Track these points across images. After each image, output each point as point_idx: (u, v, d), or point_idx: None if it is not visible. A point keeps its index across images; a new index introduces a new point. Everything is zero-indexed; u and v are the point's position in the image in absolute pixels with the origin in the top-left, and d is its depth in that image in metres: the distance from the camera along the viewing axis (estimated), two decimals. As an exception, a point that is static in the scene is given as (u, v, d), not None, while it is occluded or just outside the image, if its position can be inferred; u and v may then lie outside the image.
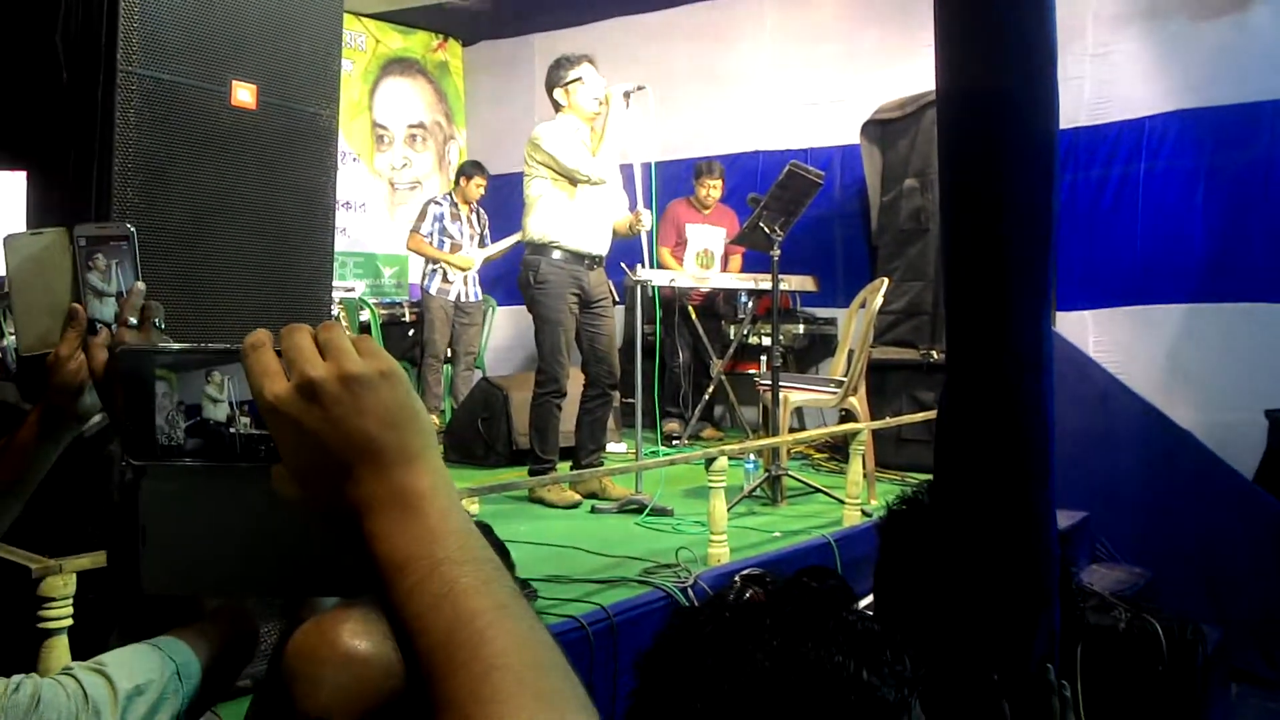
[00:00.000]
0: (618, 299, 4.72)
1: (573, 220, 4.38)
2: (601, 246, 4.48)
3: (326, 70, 2.53)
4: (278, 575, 0.75)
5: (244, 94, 2.32)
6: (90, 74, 2.23)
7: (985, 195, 1.61)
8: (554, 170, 4.35)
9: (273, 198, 2.41)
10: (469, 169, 6.62)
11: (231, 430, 0.69)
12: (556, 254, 4.36)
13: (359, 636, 0.71)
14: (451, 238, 6.41)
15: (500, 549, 1.55)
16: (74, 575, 1.87)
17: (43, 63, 2.39)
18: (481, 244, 6.57)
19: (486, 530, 1.53)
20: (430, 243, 6.38)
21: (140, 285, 1.23)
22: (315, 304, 2.55)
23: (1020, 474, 1.45)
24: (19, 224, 6.12)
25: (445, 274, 6.36)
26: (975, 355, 1.56)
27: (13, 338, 4.48)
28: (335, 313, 4.92)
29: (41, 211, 2.48)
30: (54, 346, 1.23)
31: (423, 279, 6.49)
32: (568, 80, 4.42)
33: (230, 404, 0.69)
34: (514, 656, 0.56)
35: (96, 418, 1.28)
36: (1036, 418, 1.51)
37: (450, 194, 6.56)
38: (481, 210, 6.66)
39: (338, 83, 2.58)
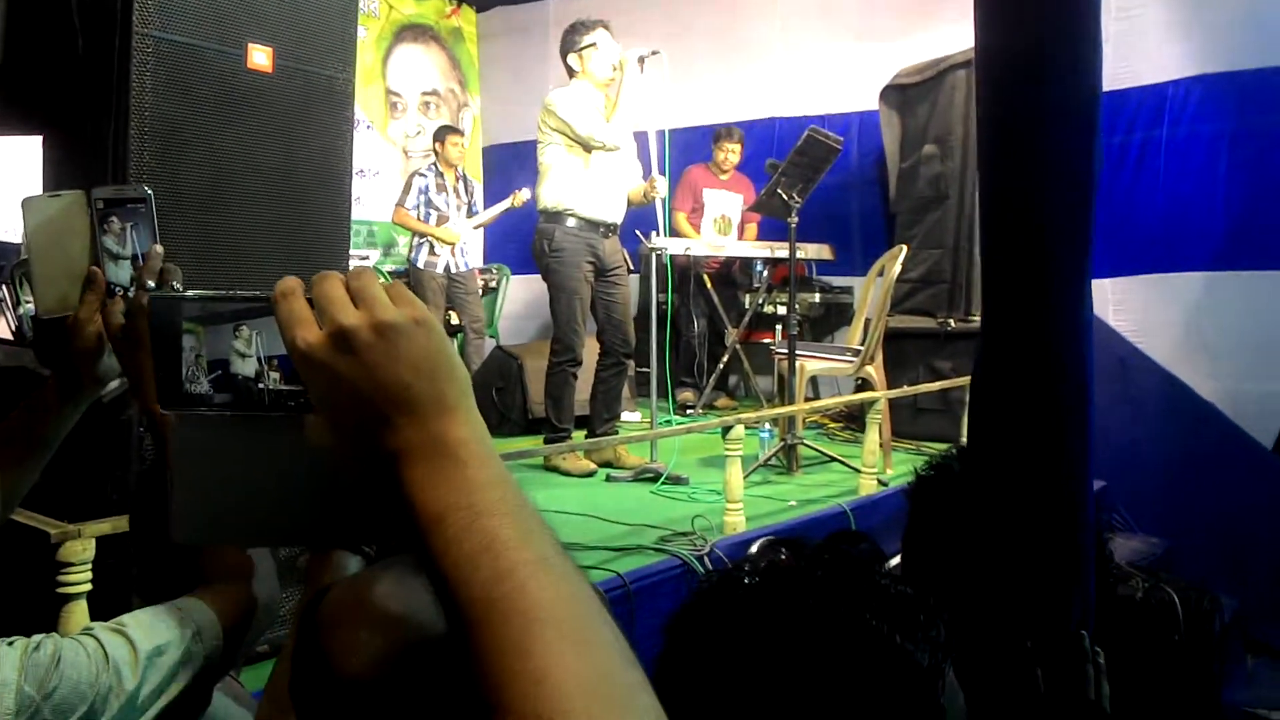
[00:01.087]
0: (632, 267, 4.69)
1: (587, 188, 4.35)
2: (616, 214, 4.46)
3: (343, 33, 2.50)
4: (306, 525, 0.75)
5: (260, 57, 2.30)
6: (106, 38, 2.21)
7: (1027, 155, 1.59)
8: (568, 137, 4.32)
9: (289, 161, 2.39)
10: (441, 132, 6.50)
11: (260, 385, 0.69)
12: (571, 222, 4.33)
13: (395, 598, 0.70)
14: (438, 209, 6.29)
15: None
16: (93, 540, 1.87)
17: (57, 28, 2.37)
18: (470, 214, 6.49)
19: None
20: (416, 216, 6.28)
21: (158, 248, 1.22)
22: (333, 265, 2.54)
23: (1059, 439, 1.43)
24: (36, 189, 6.09)
25: (432, 246, 6.25)
26: (1014, 318, 1.54)
27: (29, 305, 4.49)
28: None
29: (58, 176, 2.47)
30: (72, 310, 1.22)
31: (409, 251, 6.41)
32: (582, 45, 4.38)
33: (259, 358, 0.69)
34: (556, 609, 0.56)
35: (115, 382, 1.27)
36: (1076, 383, 1.49)
37: (434, 164, 6.44)
38: (469, 178, 6.59)
39: (354, 45, 2.55)
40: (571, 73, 4.45)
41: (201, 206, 2.21)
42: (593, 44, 4.37)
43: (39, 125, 2.54)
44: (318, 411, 0.64)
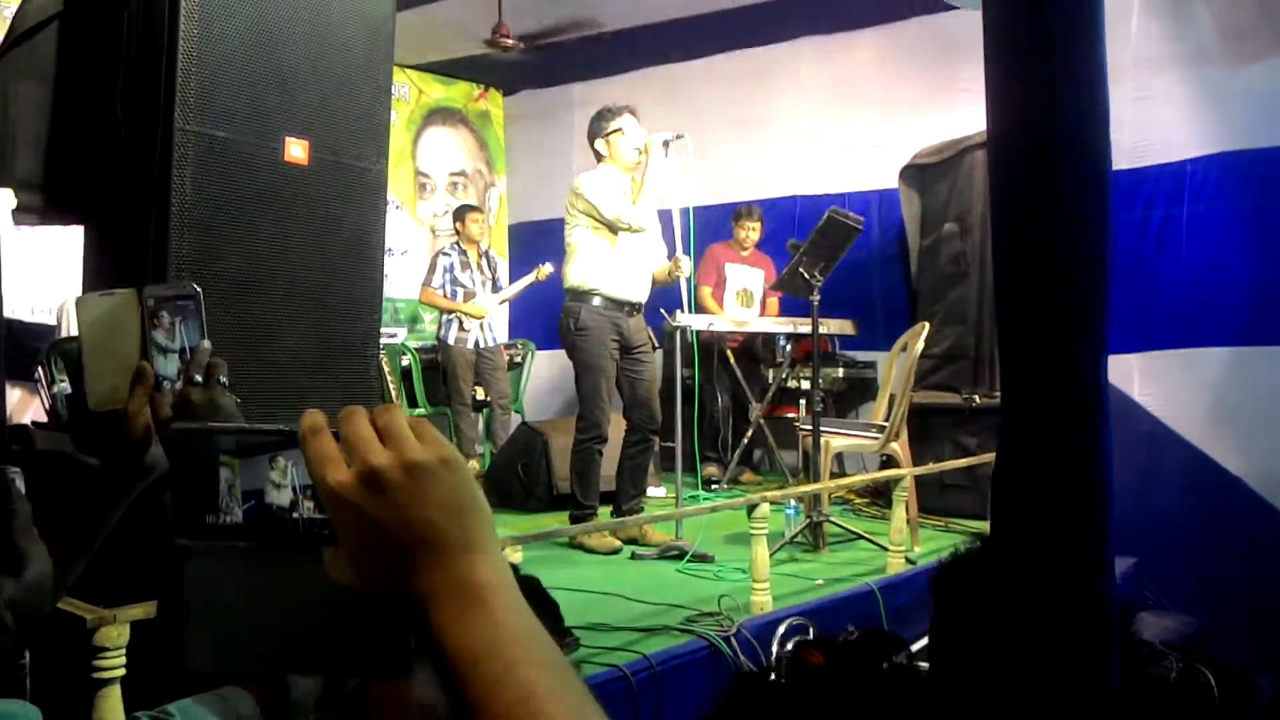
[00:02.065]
0: (657, 344, 4.74)
1: (613, 268, 4.42)
2: (641, 294, 4.52)
3: (376, 124, 2.59)
4: (323, 657, 0.75)
5: (296, 150, 2.38)
6: (148, 132, 2.30)
7: (1041, 234, 1.62)
8: (595, 219, 4.40)
9: (324, 249, 2.46)
10: (461, 211, 6.70)
11: (295, 515, 0.69)
12: (596, 300, 4.40)
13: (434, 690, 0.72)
14: (464, 286, 6.44)
15: (549, 604, 1.57)
16: (128, 625, 1.90)
17: (101, 121, 2.46)
18: (495, 289, 6.63)
19: (536, 585, 1.55)
20: (443, 293, 6.43)
21: (205, 344, 1.25)
22: (363, 352, 2.59)
23: (1080, 523, 1.44)
24: (76, 273, 6.18)
25: (461, 322, 6.39)
26: (1032, 399, 1.56)
27: (63, 384, 4.56)
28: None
29: (98, 265, 2.55)
30: (122, 403, 1.26)
31: (439, 329, 6.54)
32: (609, 130, 4.48)
33: (293, 488, 0.69)
34: None
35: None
36: (1095, 465, 1.50)
37: (457, 242, 6.60)
38: (491, 254, 6.74)
39: (387, 136, 2.64)
40: (599, 157, 4.55)
41: (239, 294, 2.27)
42: (619, 129, 4.47)
43: (82, 214, 2.63)
44: (341, 548, 0.65)
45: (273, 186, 2.36)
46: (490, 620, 0.61)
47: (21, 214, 2.58)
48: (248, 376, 2.23)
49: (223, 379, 1.25)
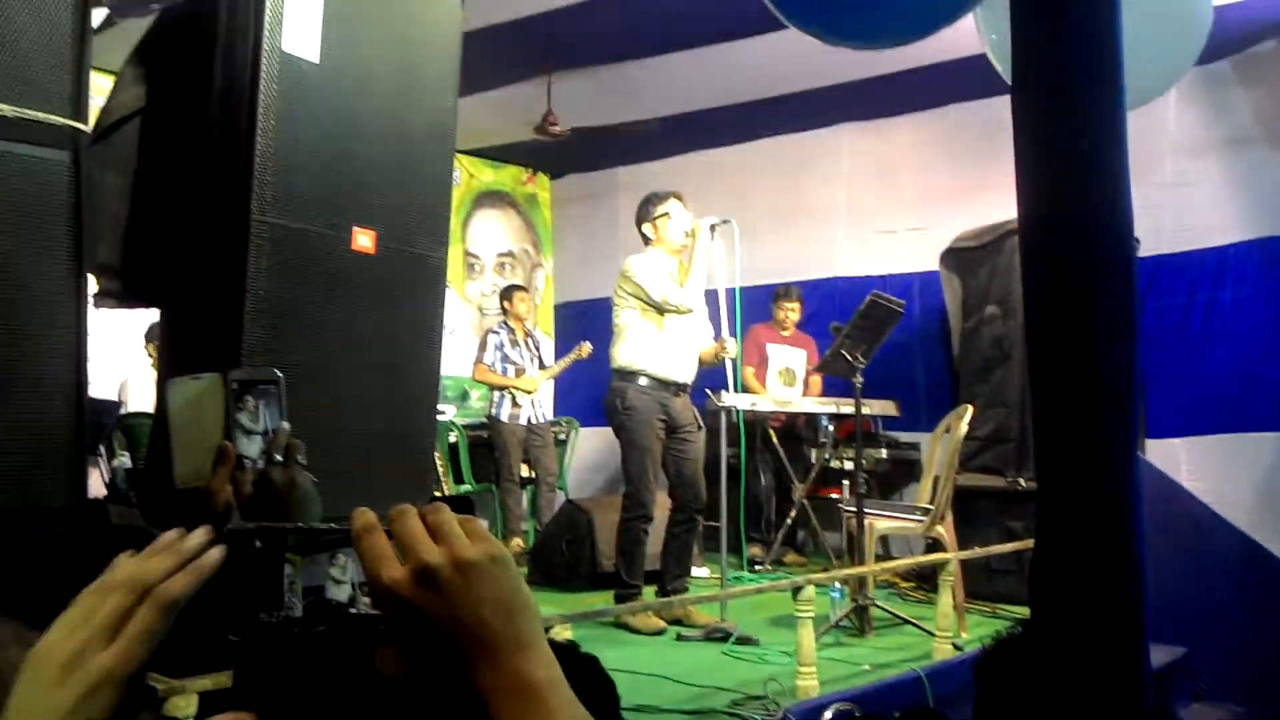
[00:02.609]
0: (701, 424, 4.80)
1: (660, 349, 4.50)
2: (687, 374, 4.59)
3: (438, 214, 2.71)
4: None
5: (364, 239, 2.50)
6: (225, 222, 2.42)
7: (1071, 321, 1.67)
8: (643, 301, 4.50)
9: (387, 334, 2.56)
10: (509, 290, 6.90)
11: (353, 609, 0.70)
12: (643, 380, 4.47)
13: None
14: (515, 363, 6.62)
15: (608, 684, 1.60)
16: (196, 696, 1.96)
17: (180, 211, 2.60)
18: (541, 366, 6.77)
19: (595, 665, 1.59)
20: (495, 370, 6.58)
21: (286, 425, 1.33)
22: (422, 433, 2.68)
23: (1113, 615, 1.47)
24: (137, 351, 6.32)
25: (514, 399, 6.54)
26: (1064, 480, 1.60)
27: (124, 457, 4.68)
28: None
29: (174, 348, 2.67)
30: (205, 481, 1.33)
31: (490, 406, 6.67)
32: (656, 215, 4.60)
33: (352, 584, 0.71)
34: None
35: None
36: (1127, 547, 1.54)
37: (505, 321, 6.79)
38: (535, 333, 6.92)
39: (448, 225, 2.76)
40: (646, 240, 4.66)
41: (306, 378, 2.37)
42: (666, 213, 4.59)
43: (158, 300, 2.76)
44: (394, 643, 0.67)
45: (340, 274, 2.47)
46: (549, 717, 0.64)
47: (102, 298, 2.71)
48: (312, 458, 2.31)
49: (301, 459, 1.32)
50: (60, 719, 0.63)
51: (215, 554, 0.69)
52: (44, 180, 2.04)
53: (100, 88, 2.54)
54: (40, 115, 2.02)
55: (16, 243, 2.00)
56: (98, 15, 2.26)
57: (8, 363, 1.97)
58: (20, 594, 1.34)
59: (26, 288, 2.01)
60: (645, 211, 4.65)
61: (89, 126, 2.33)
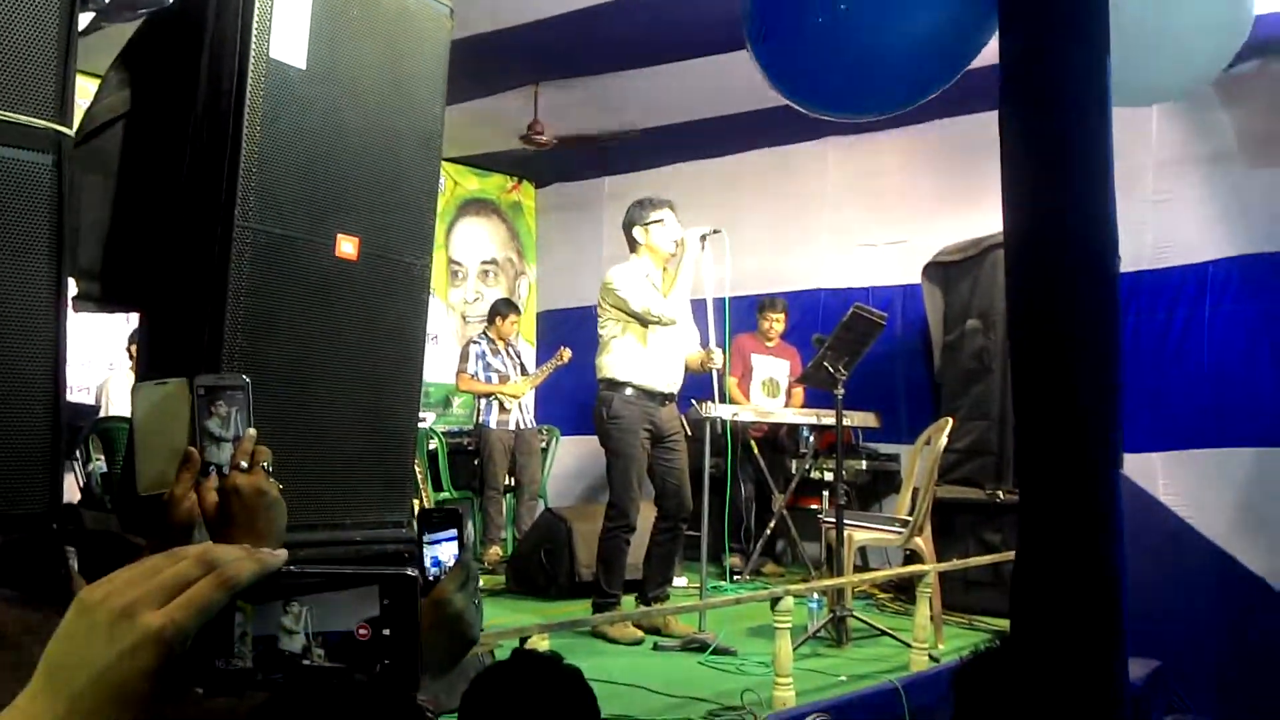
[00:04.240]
0: (689, 433, 4.81)
1: (645, 360, 4.50)
2: (673, 384, 4.60)
3: (423, 223, 2.71)
4: None
5: (347, 246, 2.50)
6: (208, 228, 2.42)
7: (1053, 335, 1.69)
8: (625, 313, 4.49)
9: (369, 340, 2.56)
10: (503, 308, 6.90)
11: (306, 662, 0.67)
12: (629, 391, 4.47)
13: None
14: (498, 371, 6.64)
15: (588, 696, 1.61)
16: None
17: (162, 215, 2.59)
18: (523, 372, 6.80)
19: (576, 676, 1.60)
20: (479, 379, 6.60)
21: (252, 432, 1.30)
22: (403, 441, 2.68)
23: (1091, 629, 1.48)
24: (116, 354, 6.29)
25: (501, 404, 6.55)
26: (1045, 493, 1.62)
27: (99, 462, 4.65)
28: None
29: (153, 351, 2.66)
30: (169, 487, 1.32)
31: (477, 414, 6.68)
32: (649, 220, 4.57)
33: (307, 635, 0.68)
34: None
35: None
36: (1107, 571, 1.55)
37: (485, 332, 6.81)
38: (513, 343, 6.94)
39: (433, 233, 2.76)
40: (633, 245, 4.63)
41: (286, 384, 2.37)
42: (660, 220, 4.56)
43: (141, 303, 2.75)
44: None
45: (323, 281, 2.47)
46: None
47: (81, 301, 2.69)
48: (291, 465, 2.31)
49: (267, 466, 1.31)
50: (100, 670, 0.62)
51: (282, 553, 0.68)
52: (27, 183, 2.03)
53: (86, 91, 2.53)
54: (24, 119, 2.01)
55: (-3, 245, 1.99)
56: (84, 19, 2.25)
57: (-15, 366, 1.96)
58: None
59: (6, 290, 2.00)
60: (638, 215, 4.62)
61: (73, 130, 2.32)
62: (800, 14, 2.41)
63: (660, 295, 4.50)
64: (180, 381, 1.39)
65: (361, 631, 0.67)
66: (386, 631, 0.67)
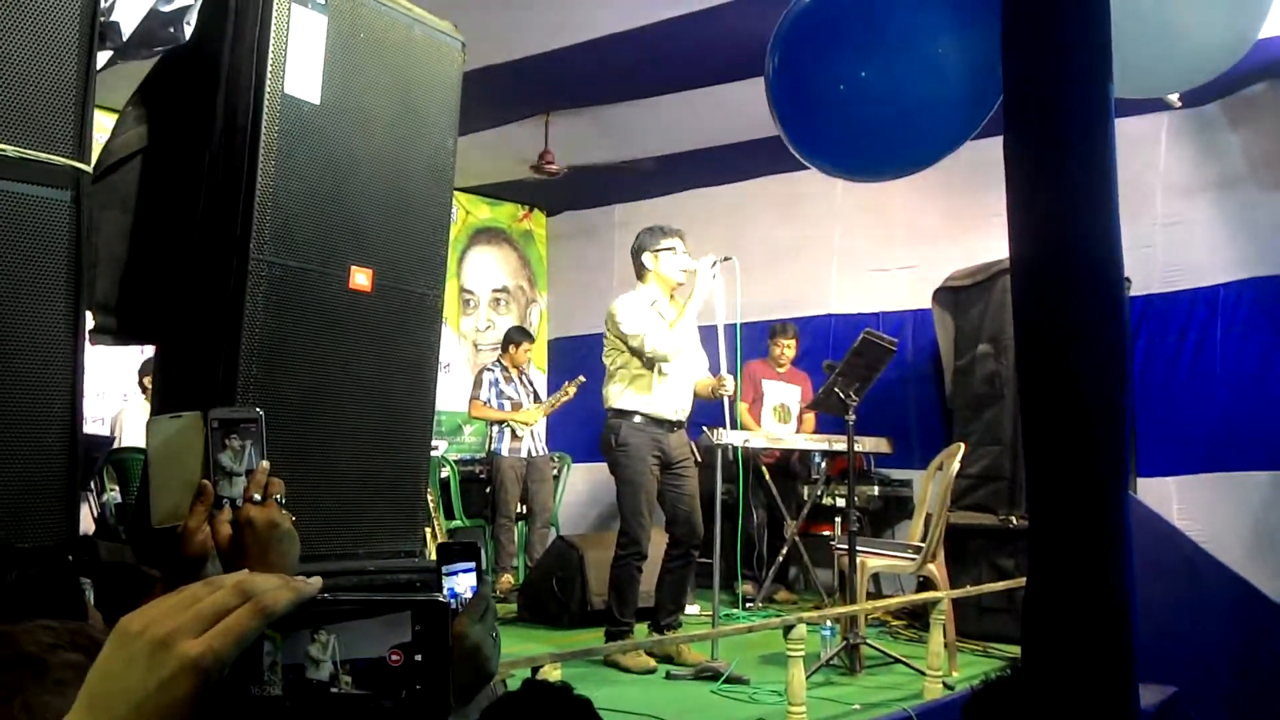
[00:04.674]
0: (699, 459, 4.81)
1: (653, 389, 4.50)
2: (682, 411, 4.60)
3: (435, 254, 2.74)
4: None
5: (361, 278, 2.52)
6: (223, 261, 2.45)
7: (1062, 360, 1.70)
8: (626, 347, 4.50)
9: (382, 370, 2.58)
10: (517, 336, 6.91)
11: (333, 690, 0.68)
12: (638, 418, 4.47)
13: None
14: (511, 399, 6.66)
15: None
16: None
17: (178, 249, 2.63)
18: (536, 400, 6.81)
19: (586, 707, 1.60)
20: (491, 406, 6.62)
21: (265, 464, 1.32)
22: (415, 471, 2.69)
23: (1101, 651, 1.48)
24: (129, 386, 6.32)
25: (514, 432, 6.56)
26: (1054, 516, 1.62)
27: (113, 493, 4.67)
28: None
29: (168, 384, 2.69)
30: (183, 519, 1.33)
31: (489, 442, 6.69)
32: (660, 247, 4.58)
33: (334, 663, 0.68)
34: None
35: None
36: (1117, 592, 1.55)
37: (500, 360, 6.82)
38: (526, 370, 6.95)
39: (445, 264, 2.79)
40: (641, 272, 4.64)
41: (300, 416, 2.38)
42: (670, 248, 4.58)
43: (156, 336, 2.78)
44: None
45: (337, 313, 2.49)
46: None
47: (98, 334, 2.72)
48: (305, 495, 2.32)
49: (280, 498, 1.32)
50: (140, 699, 0.62)
51: (317, 581, 0.69)
52: (45, 219, 2.06)
53: (103, 126, 2.57)
54: (43, 156, 2.05)
55: (16, 280, 2.02)
56: (102, 57, 2.29)
57: (3, 398, 1.98)
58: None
59: (25, 325, 2.03)
60: (648, 241, 4.62)
61: (91, 166, 2.35)
62: (821, 82, 2.49)
63: (663, 327, 4.48)
64: (194, 415, 1.40)
65: (394, 657, 0.68)
66: (418, 657, 0.68)
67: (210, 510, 1.30)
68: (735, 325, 4.81)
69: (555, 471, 7.43)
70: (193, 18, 2.42)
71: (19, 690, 0.77)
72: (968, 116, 2.45)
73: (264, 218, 2.38)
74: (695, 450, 4.72)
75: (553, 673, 2.80)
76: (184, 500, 1.34)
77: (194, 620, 0.64)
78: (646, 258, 4.61)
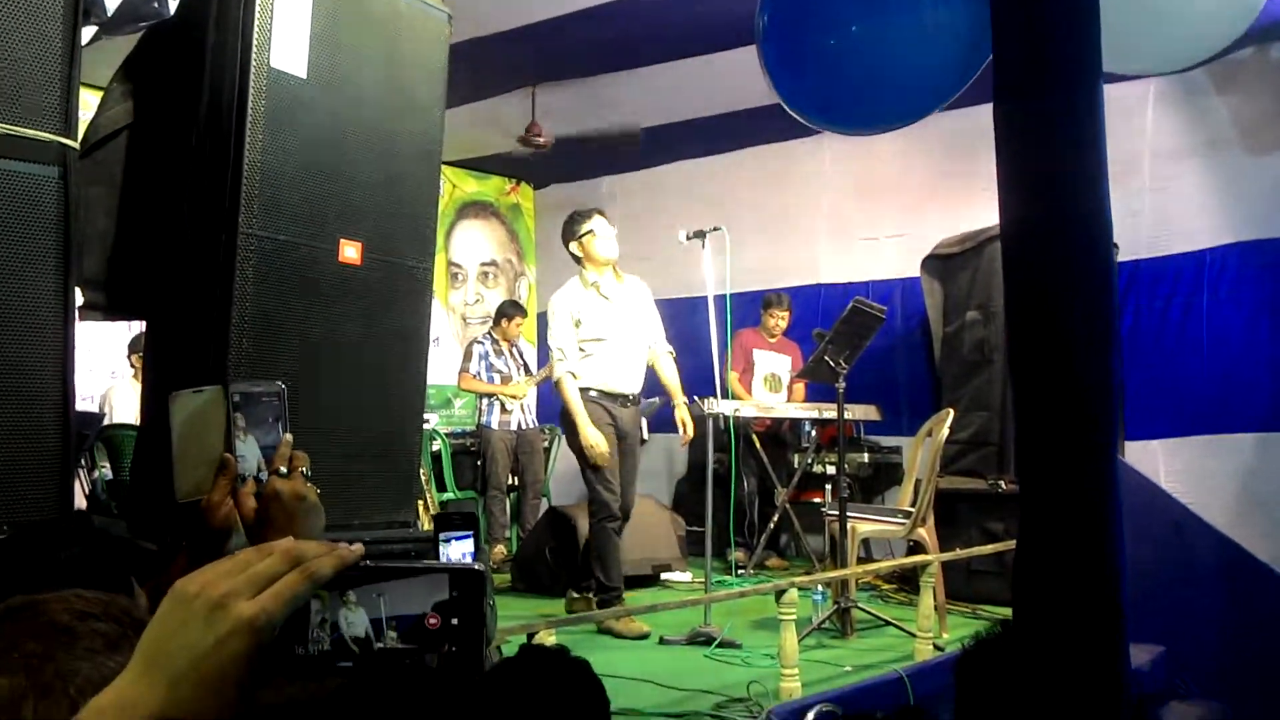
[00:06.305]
0: (645, 438, 4.91)
1: (601, 366, 4.64)
2: (633, 386, 4.72)
3: (424, 227, 2.74)
4: None
5: (351, 251, 2.52)
6: (213, 234, 2.44)
7: (1051, 326, 1.71)
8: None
9: (373, 343, 2.59)
10: (509, 309, 6.93)
11: (379, 645, 0.71)
12: (593, 393, 4.60)
13: None
14: (500, 372, 6.69)
15: (597, 687, 1.64)
16: None
17: (167, 223, 2.62)
18: (526, 372, 6.83)
19: (584, 668, 1.63)
20: (481, 379, 6.63)
21: (288, 437, 1.32)
22: (406, 440, 2.70)
23: (1091, 612, 1.51)
24: (118, 362, 6.31)
25: (503, 405, 6.58)
26: (1045, 479, 1.64)
27: (104, 469, 4.67)
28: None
29: (159, 358, 2.69)
30: (206, 494, 1.34)
31: (479, 415, 6.71)
32: (582, 233, 4.72)
33: (382, 618, 0.71)
34: None
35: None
36: (1108, 558, 1.58)
37: (490, 333, 6.84)
38: (517, 343, 6.97)
39: (434, 237, 2.79)
40: (576, 259, 4.75)
41: (292, 388, 2.37)
42: (591, 231, 4.70)
43: (146, 310, 2.78)
44: None
45: (327, 286, 2.50)
46: None
47: (87, 310, 2.72)
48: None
49: (305, 471, 1.33)
50: (199, 655, 0.66)
51: (359, 548, 0.72)
52: (33, 196, 2.06)
53: (89, 103, 2.56)
54: (29, 132, 2.04)
55: (5, 257, 2.02)
56: (87, 33, 2.28)
57: (-4, 375, 1.99)
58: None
59: (14, 302, 2.03)
60: (571, 231, 4.77)
61: (78, 143, 2.35)
62: (812, 36, 2.49)
63: (573, 342, 4.61)
64: (216, 389, 1.40)
65: (432, 620, 0.71)
66: (455, 621, 0.72)
67: (234, 483, 1.31)
68: (725, 296, 4.83)
69: (546, 443, 7.45)
70: (177, -9, 2.41)
71: (50, 658, 0.79)
72: (958, 70, 2.45)
73: (253, 191, 2.38)
74: (643, 427, 4.80)
75: (548, 638, 2.83)
76: (207, 475, 1.34)
77: (248, 583, 0.68)
78: (574, 247, 4.75)
